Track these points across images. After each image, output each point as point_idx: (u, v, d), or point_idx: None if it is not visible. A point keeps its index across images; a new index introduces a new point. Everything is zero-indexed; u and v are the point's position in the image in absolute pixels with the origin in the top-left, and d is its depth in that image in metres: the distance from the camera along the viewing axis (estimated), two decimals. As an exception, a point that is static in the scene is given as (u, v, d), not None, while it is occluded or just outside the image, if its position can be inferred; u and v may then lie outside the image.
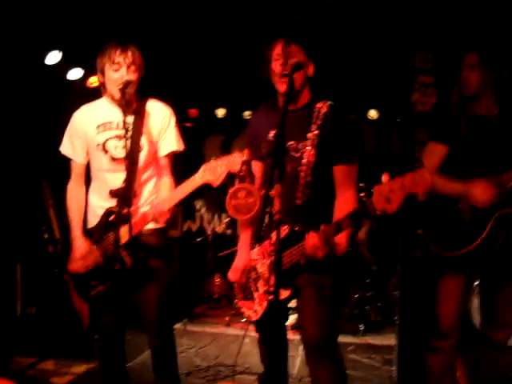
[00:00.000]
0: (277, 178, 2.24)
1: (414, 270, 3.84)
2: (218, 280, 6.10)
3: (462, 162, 2.88)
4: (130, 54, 2.81)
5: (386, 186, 2.26)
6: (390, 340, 4.60)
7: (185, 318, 5.37)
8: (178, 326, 5.10)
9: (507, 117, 2.87)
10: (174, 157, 3.01)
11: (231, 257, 5.56)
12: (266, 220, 2.58)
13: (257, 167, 2.86)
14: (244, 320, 5.17)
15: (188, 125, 6.43)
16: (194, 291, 6.16)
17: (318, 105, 2.69)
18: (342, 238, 2.56)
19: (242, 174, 2.50)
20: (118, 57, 2.80)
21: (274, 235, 2.40)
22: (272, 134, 2.69)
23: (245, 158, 2.49)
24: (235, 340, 4.82)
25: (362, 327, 5.14)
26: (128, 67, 2.80)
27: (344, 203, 2.62)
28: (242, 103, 6.51)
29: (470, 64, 2.85)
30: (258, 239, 2.77)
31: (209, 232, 6.46)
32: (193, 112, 6.70)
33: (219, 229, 6.65)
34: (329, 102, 2.71)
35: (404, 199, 2.24)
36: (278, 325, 2.89)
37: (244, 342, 4.48)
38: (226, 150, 6.83)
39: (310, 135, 2.63)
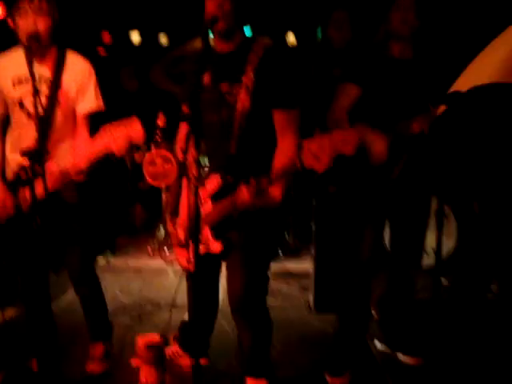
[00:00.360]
0: (194, 143, 2.19)
1: (328, 204, 3.93)
2: (139, 210, 6.08)
3: (374, 104, 2.93)
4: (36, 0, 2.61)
5: (314, 143, 2.20)
6: (306, 265, 4.67)
7: (107, 250, 5.33)
8: (100, 260, 5.10)
9: (423, 63, 2.95)
10: (92, 116, 2.89)
11: (152, 187, 5.56)
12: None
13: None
14: (168, 252, 5.18)
15: (101, 52, 6.09)
16: (114, 222, 6.05)
17: (255, 44, 2.50)
18: (275, 190, 2.45)
19: (157, 139, 2.45)
20: (23, 2, 2.60)
21: (207, 184, 2.41)
22: (206, 78, 2.52)
23: (161, 124, 2.45)
24: (159, 273, 4.86)
25: (280, 252, 5.20)
26: (35, 15, 2.61)
27: (281, 152, 2.49)
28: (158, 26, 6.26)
29: (406, 5, 2.83)
30: (175, 212, 2.72)
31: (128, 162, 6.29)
32: (105, 37, 6.34)
33: (138, 158, 6.53)
34: (267, 41, 2.55)
35: (332, 158, 2.17)
36: (211, 275, 2.85)
37: (168, 275, 4.60)
38: (142, 80, 6.51)
39: (244, 78, 2.45)
